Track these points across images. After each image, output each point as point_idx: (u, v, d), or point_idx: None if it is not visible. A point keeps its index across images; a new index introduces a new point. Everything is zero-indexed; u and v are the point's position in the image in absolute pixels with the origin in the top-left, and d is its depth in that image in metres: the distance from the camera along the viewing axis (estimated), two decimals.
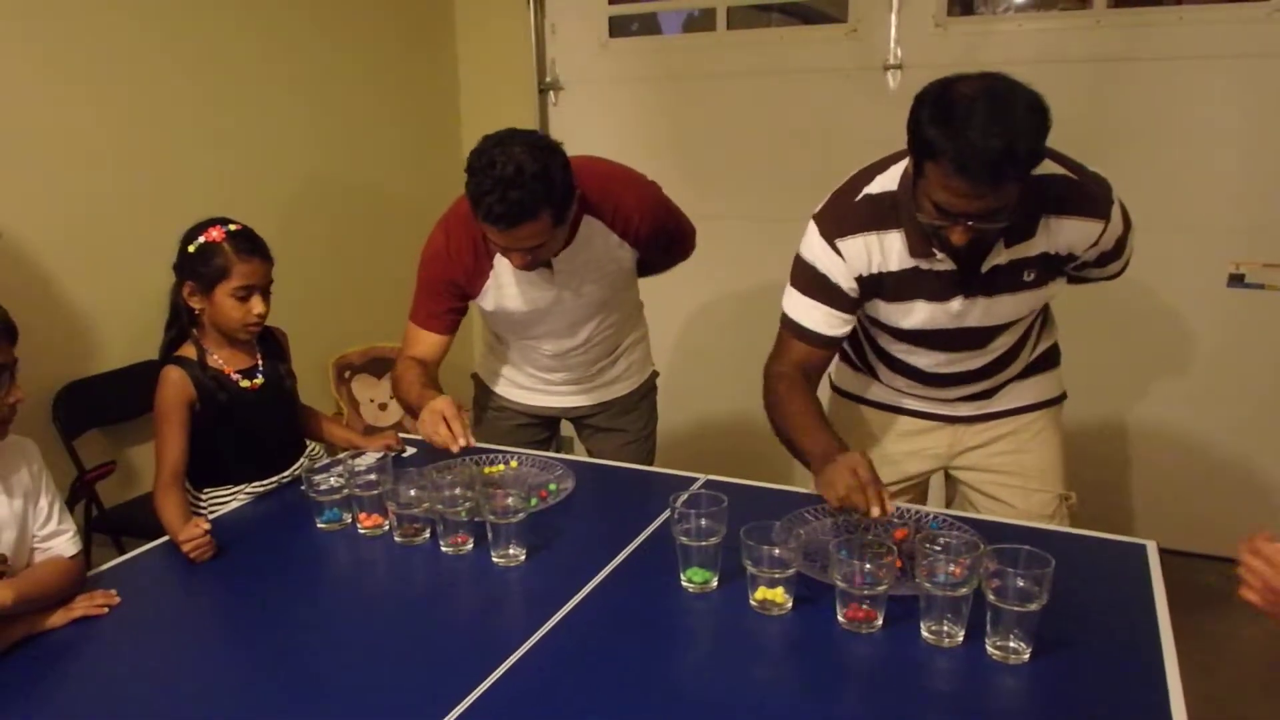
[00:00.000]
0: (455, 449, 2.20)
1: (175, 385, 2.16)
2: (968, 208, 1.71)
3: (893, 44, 3.78)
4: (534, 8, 4.37)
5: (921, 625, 1.59)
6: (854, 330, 2.25)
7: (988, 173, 1.64)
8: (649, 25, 4.55)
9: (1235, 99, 3.42)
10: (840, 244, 1.98)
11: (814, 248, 2.03)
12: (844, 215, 2.00)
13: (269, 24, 3.58)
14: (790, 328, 2.10)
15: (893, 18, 3.76)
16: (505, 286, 2.39)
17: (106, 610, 1.77)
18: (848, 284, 2.01)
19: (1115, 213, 1.93)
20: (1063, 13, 3.68)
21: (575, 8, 4.35)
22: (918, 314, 2.03)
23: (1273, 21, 3.31)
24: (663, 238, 2.53)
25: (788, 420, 2.06)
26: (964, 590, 1.55)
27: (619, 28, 4.38)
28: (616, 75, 4.35)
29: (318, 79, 3.81)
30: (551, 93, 4.48)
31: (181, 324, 2.23)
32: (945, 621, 1.57)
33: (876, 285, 2.00)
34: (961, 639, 1.56)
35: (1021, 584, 1.51)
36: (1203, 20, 3.42)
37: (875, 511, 1.82)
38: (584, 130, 4.28)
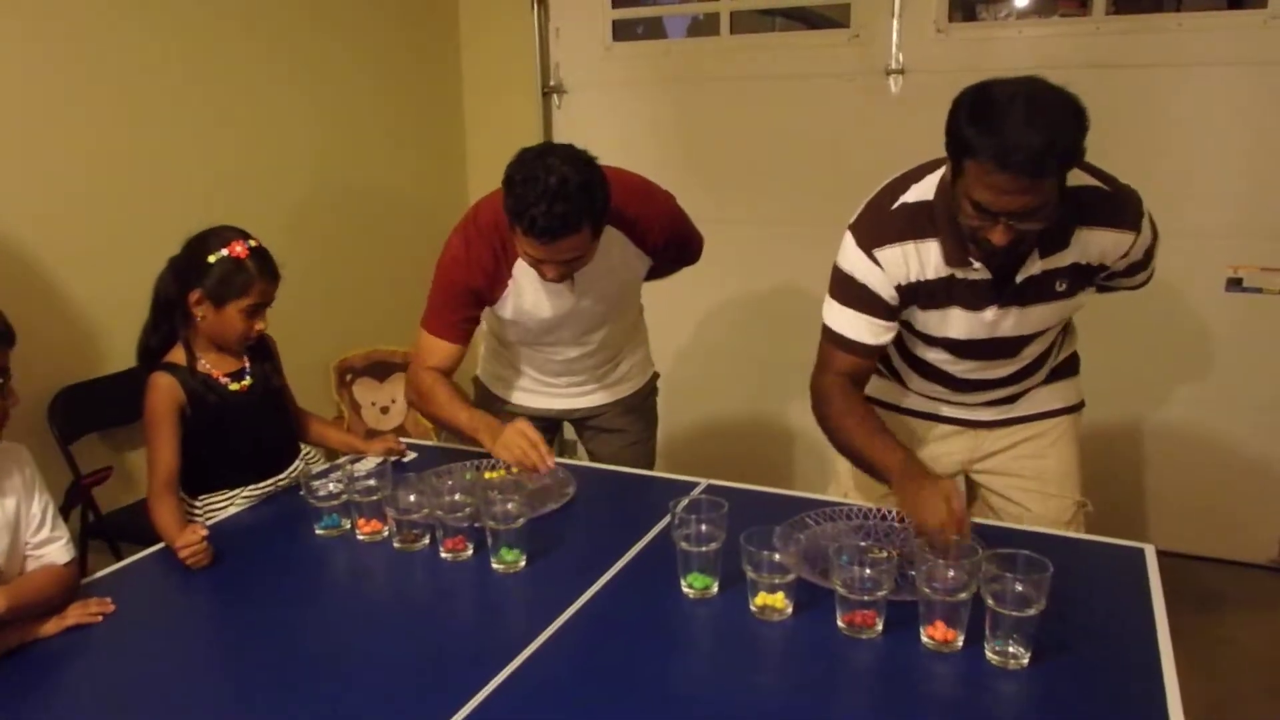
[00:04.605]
0: (544, 470, 2.22)
1: (164, 391, 2.15)
2: (1008, 205, 1.71)
3: (894, 49, 3.78)
4: (538, 11, 4.37)
5: (921, 630, 1.59)
6: None
7: (1029, 167, 1.65)
8: (653, 29, 4.56)
9: (1232, 105, 3.42)
10: (878, 254, 1.98)
11: (852, 258, 2.02)
12: (881, 225, 2.00)
13: (274, 27, 3.58)
14: (833, 339, 2.09)
15: (894, 23, 3.76)
16: (525, 294, 2.38)
17: (100, 618, 1.76)
18: (888, 293, 2.00)
19: (1145, 224, 1.94)
20: (1063, 19, 3.67)
21: (579, 11, 4.35)
22: (952, 322, 2.03)
23: (1270, 28, 3.31)
24: (675, 248, 2.55)
25: (853, 434, 2.04)
26: (963, 595, 1.54)
27: (623, 31, 4.37)
28: (620, 79, 4.35)
29: (322, 82, 3.82)
30: (555, 96, 4.48)
31: (172, 325, 2.21)
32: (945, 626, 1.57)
33: (914, 294, 2.00)
34: (961, 644, 1.56)
35: (1020, 589, 1.50)
36: (1201, 27, 3.43)
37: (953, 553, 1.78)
38: (587, 134, 4.20)
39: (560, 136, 4.43)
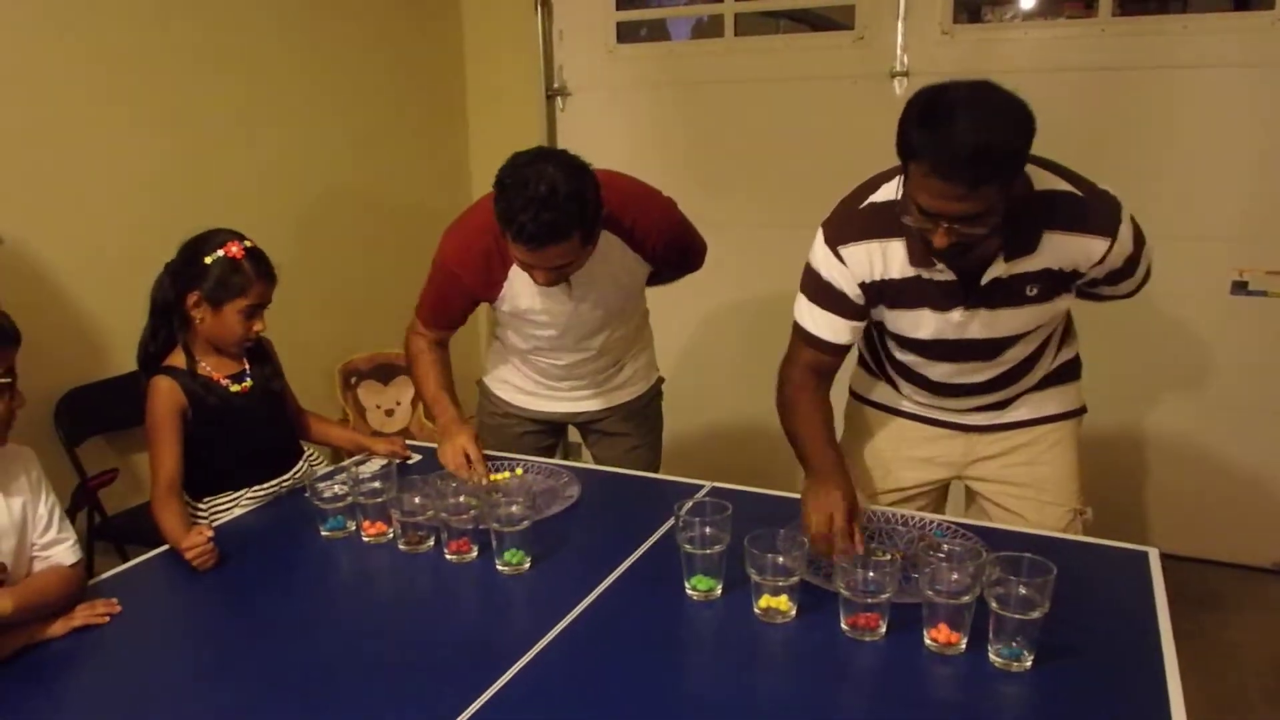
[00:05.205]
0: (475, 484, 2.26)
1: (165, 394, 2.15)
2: (947, 209, 1.71)
3: (899, 51, 3.78)
4: (542, 13, 4.37)
5: (924, 633, 1.59)
6: (871, 337, 2.26)
7: (962, 173, 1.65)
8: (657, 31, 4.56)
9: (1238, 107, 3.42)
10: (842, 251, 1.99)
11: (819, 256, 2.05)
12: (848, 222, 2.01)
13: (276, 33, 3.59)
14: (799, 333, 2.12)
15: (899, 25, 3.76)
16: (521, 297, 2.39)
17: (107, 619, 1.76)
18: (852, 291, 2.02)
19: (1124, 231, 1.91)
20: (1069, 21, 3.67)
21: (583, 14, 4.35)
22: (921, 322, 2.03)
23: (1276, 30, 3.30)
24: (676, 254, 2.54)
25: (794, 426, 2.09)
26: (967, 598, 1.54)
27: (627, 34, 4.37)
28: (624, 81, 4.35)
29: (324, 87, 3.82)
30: (559, 98, 4.48)
31: (170, 329, 2.21)
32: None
33: (879, 292, 2.01)
34: (964, 646, 1.56)
35: (1024, 592, 1.51)
36: (1207, 29, 3.42)
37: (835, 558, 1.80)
38: (591, 136, 4.28)
39: (564, 139, 4.43)
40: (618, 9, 4.31)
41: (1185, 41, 3.43)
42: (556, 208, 2.01)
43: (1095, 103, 3.53)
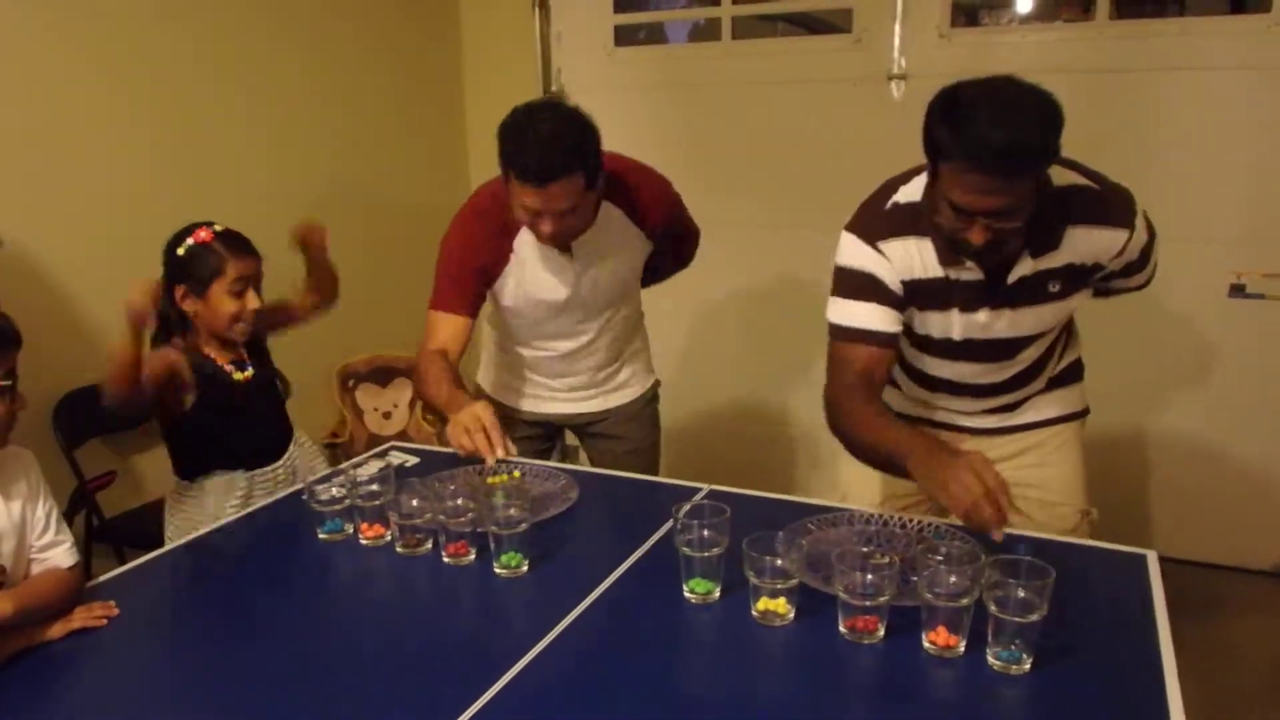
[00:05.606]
0: (490, 460, 2.18)
1: (164, 353, 2.18)
2: (983, 204, 1.72)
3: (897, 54, 3.78)
4: (540, 16, 4.38)
5: (923, 635, 1.59)
6: None
7: (999, 165, 1.66)
8: (655, 34, 4.57)
9: (1235, 110, 3.42)
10: (883, 246, 1.98)
11: (855, 254, 2.01)
12: (879, 221, 2.01)
13: (273, 36, 3.59)
14: (844, 336, 2.03)
15: (897, 28, 3.76)
16: (526, 268, 2.42)
17: (105, 621, 1.75)
18: (894, 283, 2.00)
19: (1139, 222, 1.94)
20: (1066, 24, 3.68)
21: (581, 16, 4.36)
22: (946, 324, 2.04)
23: (1273, 33, 3.31)
24: (674, 232, 2.60)
25: (866, 430, 1.97)
26: (965, 601, 1.54)
27: (625, 37, 4.39)
28: (622, 84, 4.35)
29: (323, 89, 3.82)
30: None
31: (169, 332, 2.25)
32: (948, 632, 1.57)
33: (915, 292, 2.01)
34: (963, 649, 1.56)
35: (1022, 594, 1.50)
36: (1204, 32, 3.43)
37: (998, 533, 1.72)
38: None
39: None
40: (615, 12, 4.32)
41: (1182, 44, 3.44)
42: (559, 146, 2.09)
43: (1092, 105, 3.52)
